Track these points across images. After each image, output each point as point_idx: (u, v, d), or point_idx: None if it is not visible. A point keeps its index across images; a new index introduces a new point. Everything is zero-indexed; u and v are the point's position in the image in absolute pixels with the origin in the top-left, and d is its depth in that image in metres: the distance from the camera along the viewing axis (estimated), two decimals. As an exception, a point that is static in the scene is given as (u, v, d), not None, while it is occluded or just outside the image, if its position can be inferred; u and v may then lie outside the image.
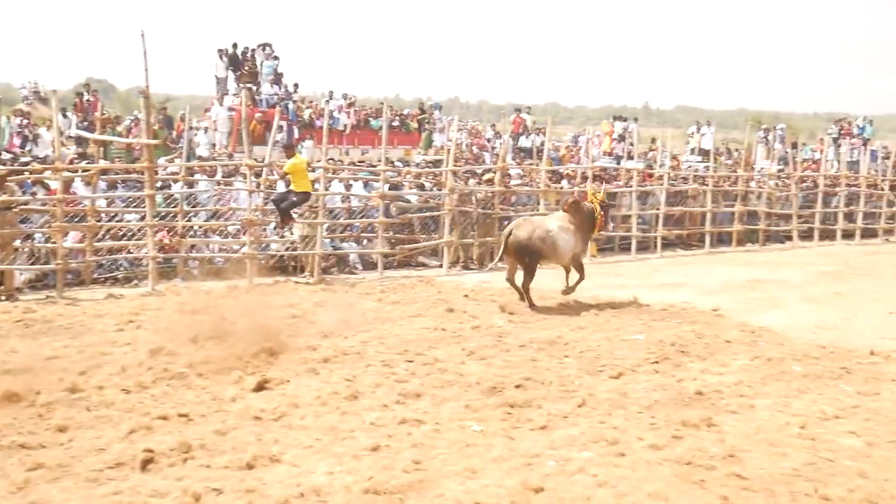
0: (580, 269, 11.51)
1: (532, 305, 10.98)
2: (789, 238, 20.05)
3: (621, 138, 27.13)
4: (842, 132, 28.99)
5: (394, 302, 11.52)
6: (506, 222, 13.67)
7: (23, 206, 12.05)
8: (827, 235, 20.60)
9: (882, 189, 22.14)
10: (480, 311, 10.89)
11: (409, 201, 15.56)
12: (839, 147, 25.48)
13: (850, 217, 21.12)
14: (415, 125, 26.77)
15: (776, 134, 29.61)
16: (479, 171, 17.01)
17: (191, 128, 20.35)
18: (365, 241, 14.96)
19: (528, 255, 11.03)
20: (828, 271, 15.67)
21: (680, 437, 6.29)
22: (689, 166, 24.34)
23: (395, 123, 25.67)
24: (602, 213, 11.73)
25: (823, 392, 7.64)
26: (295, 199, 12.69)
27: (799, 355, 8.89)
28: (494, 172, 15.99)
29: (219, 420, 6.45)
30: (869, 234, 21.45)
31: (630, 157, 19.96)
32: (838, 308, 11.98)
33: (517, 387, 7.43)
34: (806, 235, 20.33)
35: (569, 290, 11.48)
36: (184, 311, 9.85)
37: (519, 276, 11.25)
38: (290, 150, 13.64)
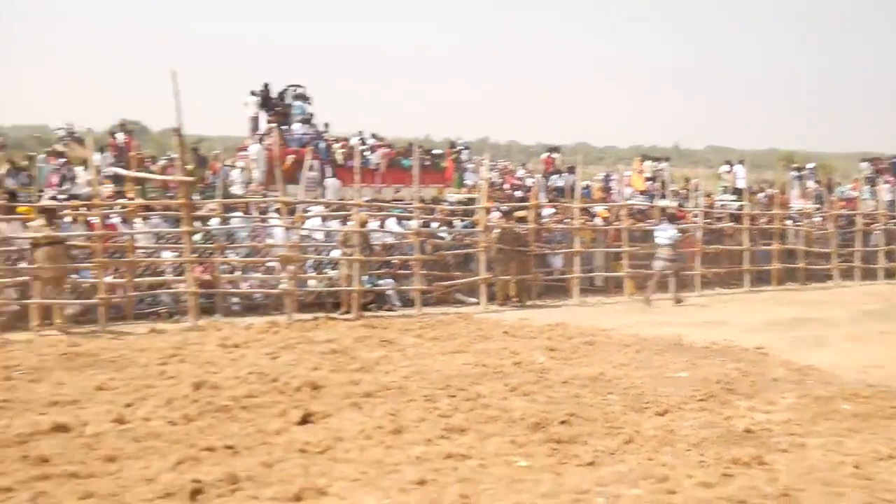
0: None
1: None
2: (830, 277, 19.81)
3: (652, 178, 26.96)
4: (876, 171, 28.64)
5: (433, 338, 11.49)
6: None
7: (68, 243, 12.23)
8: (868, 274, 20.35)
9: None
10: (521, 347, 10.83)
11: (442, 238, 15.55)
12: (875, 185, 25.15)
13: (890, 256, 20.85)
14: (446, 164, 26.75)
15: (808, 173, 29.30)
16: (505, 209, 16.75)
17: (226, 166, 20.61)
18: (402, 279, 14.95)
19: None
20: (871, 310, 15.42)
21: (731, 476, 6.12)
22: (723, 205, 24.18)
23: (427, 163, 25.71)
24: None
25: (876, 431, 7.43)
26: None
27: (848, 394, 8.68)
28: (528, 210, 15.95)
29: (265, 452, 6.40)
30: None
31: (663, 196, 19.86)
32: (885, 347, 11.71)
33: (562, 423, 7.29)
34: (847, 274, 20.08)
35: None
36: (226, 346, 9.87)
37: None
38: None
